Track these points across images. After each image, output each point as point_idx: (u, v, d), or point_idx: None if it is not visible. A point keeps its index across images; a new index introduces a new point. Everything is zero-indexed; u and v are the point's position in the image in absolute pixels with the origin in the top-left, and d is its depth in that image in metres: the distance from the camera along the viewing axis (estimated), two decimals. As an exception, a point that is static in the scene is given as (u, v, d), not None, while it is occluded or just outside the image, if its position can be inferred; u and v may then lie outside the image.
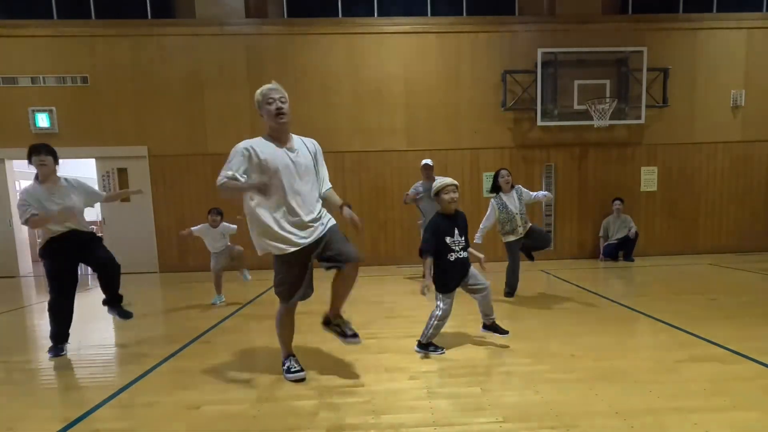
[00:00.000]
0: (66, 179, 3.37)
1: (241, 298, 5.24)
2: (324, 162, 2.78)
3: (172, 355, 3.26)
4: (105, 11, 7.75)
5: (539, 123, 7.51)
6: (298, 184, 2.52)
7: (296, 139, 2.65)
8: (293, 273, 2.57)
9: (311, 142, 2.71)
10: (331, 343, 3.41)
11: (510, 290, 4.85)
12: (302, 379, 2.65)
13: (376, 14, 8.01)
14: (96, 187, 7.96)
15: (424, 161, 6.06)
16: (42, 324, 4.64)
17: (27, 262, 8.19)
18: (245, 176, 2.44)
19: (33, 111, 7.36)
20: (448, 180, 3.07)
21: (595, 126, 7.36)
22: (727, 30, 7.72)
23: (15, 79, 7.38)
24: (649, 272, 6.45)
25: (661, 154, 7.93)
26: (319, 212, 2.61)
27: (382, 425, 2.12)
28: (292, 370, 2.68)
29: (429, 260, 3.01)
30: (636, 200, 7.95)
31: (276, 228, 2.49)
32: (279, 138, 2.55)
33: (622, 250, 7.58)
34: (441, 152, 7.72)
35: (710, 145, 7.93)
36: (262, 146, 2.50)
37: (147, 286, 6.60)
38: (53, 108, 7.40)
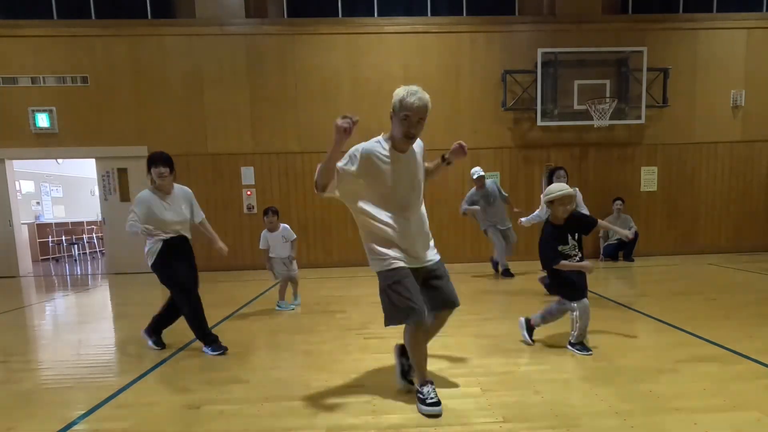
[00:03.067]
0: (178, 186, 3.34)
1: (241, 298, 5.24)
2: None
3: (172, 355, 3.26)
4: (105, 11, 7.74)
5: (539, 123, 7.50)
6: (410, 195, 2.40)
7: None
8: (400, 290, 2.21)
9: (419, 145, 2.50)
10: (331, 343, 3.41)
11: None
12: (437, 415, 2.17)
13: (376, 14, 8.00)
14: (96, 186, 8.03)
15: (478, 173, 6.06)
16: (42, 324, 4.65)
17: (27, 262, 8.20)
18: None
19: (33, 111, 7.36)
20: (568, 189, 2.93)
21: (595, 126, 7.36)
22: (727, 30, 7.72)
23: (15, 79, 7.38)
24: (649, 272, 6.44)
25: (661, 154, 7.93)
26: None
27: (382, 425, 2.12)
28: (428, 401, 2.21)
29: (565, 261, 2.91)
30: (636, 200, 7.94)
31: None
32: (398, 148, 2.40)
33: (622, 250, 7.57)
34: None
35: (710, 145, 7.93)
36: (378, 147, 2.38)
37: (148, 286, 6.59)
38: (53, 108, 7.40)
